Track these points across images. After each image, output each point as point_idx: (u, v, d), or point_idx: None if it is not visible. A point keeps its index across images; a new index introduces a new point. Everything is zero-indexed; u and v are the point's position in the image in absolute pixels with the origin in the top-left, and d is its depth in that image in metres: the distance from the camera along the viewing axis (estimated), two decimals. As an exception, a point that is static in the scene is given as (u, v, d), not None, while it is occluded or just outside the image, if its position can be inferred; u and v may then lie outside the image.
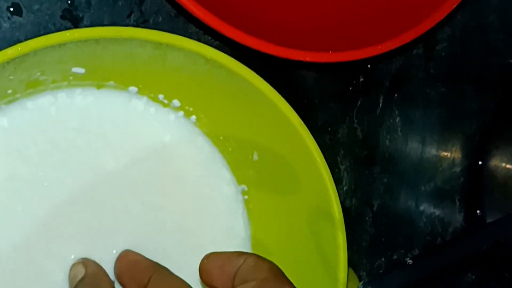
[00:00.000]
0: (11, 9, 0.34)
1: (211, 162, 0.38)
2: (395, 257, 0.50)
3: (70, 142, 0.34)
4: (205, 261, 0.30)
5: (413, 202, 0.51)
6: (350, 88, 0.46)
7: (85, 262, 0.32)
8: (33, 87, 0.32)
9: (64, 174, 0.34)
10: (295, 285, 0.29)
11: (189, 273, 0.33)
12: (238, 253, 0.30)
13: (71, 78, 0.33)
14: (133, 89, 0.35)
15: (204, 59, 0.32)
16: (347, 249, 0.36)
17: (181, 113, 0.37)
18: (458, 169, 0.52)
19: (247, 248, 0.39)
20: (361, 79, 0.46)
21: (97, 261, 0.33)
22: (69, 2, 0.35)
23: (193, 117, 0.37)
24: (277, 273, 0.28)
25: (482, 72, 0.52)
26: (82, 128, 0.34)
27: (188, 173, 0.37)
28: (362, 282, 0.36)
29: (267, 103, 0.34)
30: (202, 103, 0.36)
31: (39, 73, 0.31)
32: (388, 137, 0.48)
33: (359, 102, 0.46)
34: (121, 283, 0.33)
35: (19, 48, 0.27)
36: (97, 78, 0.34)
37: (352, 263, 0.47)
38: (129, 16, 0.37)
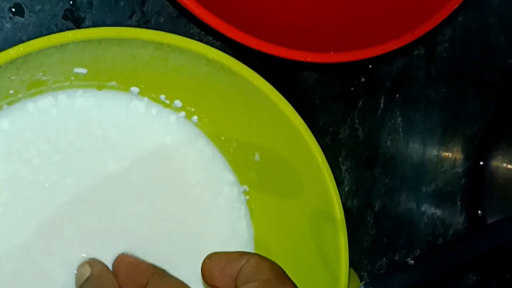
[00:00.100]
0: (13, 9, 0.34)
1: (213, 163, 0.38)
2: (396, 257, 0.50)
3: (71, 143, 0.34)
4: (207, 261, 0.30)
5: (414, 203, 0.51)
6: (351, 89, 0.46)
7: (92, 262, 0.33)
8: (35, 87, 0.32)
9: (65, 175, 0.34)
10: (297, 285, 0.29)
11: (190, 273, 0.33)
12: (240, 253, 0.30)
13: (73, 78, 0.33)
14: (135, 89, 0.35)
15: (206, 60, 0.32)
16: (348, 250, 0.36)
17: (183, 113, 0.37)
18: (459, 170, 0.52)
19: (250, 250, 0.39)
20: (362, 80, 0.46)
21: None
22: (71, 2, 0.35)
23: (195, 117, 0.37)
24: (280, 274, 0.28)
25: (483, 73, 0.52)
26: (83, 129, 0.34)
27: (190, 174, 0.37)
28: (363, 283, 0.36)
29: (268, 104, 0.34)
30: (204, 103, 0.36)
31: (41, 74, 0.31)
32: (389, 138, 0.48)
33: (360, 102, 0.46)
34: (119, 286, 0.33)
35: (21, 49, 0.27)
36: (99, 79, 0.34)
37: (353, 264, 0.47)
38: (130, 16, 0.37)
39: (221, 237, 0.38)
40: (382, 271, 0.49)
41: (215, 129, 0.38)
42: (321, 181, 0.35)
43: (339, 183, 0.46)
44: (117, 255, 0.34)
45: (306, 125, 0.35)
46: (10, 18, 0.34)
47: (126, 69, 0.33)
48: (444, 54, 0.50)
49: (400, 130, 0.49)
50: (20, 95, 0.32)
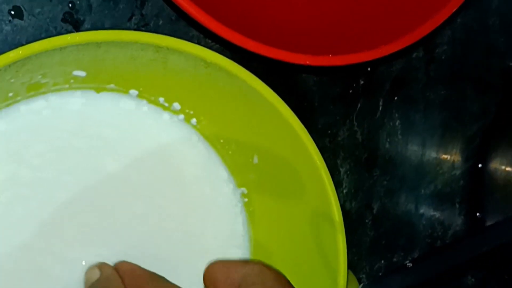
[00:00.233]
0: (12, 12, 0.34)
1: (210, 164, 0.38)
2: (395, 259, 0.50)
3: (70, 144, 0.34)
4: (210, 268, 0.30)
5: (413, 204, 0.51)
6: (350, 91, 0.46)
7: (101, 266, 0.32)
8: (34, 90, 0.32)
9: (64, 176, 0.34)
10: (296, 286, 0.29)
11: (191, 273, 0.33)
12: (244, 261, 0.30)
13: (72, 81, 0.33)
14: (134, 92, 0.35)
15: (205, 63, 0.32)
16: (347, 252, 0.36)
17: (182, 116, 0.37)
18: (458, 172, 0.52)
19: (246, 246, 0.39)
20: (361, 82, 0.46)
21: (98, 262, 0.33)
22: (70, 5, 0.35)
23: (194, 120, 0.37)
24: (283, 283, 0.28)
25: (482, 74, 0.52)
26: (82, 131, 0.34)
27: (188, 175, 0.37)
28: (362, 285, 0.37)
29: (267, 106, 0.34)
30: (203, 106, 0.36)
31: (40, 76, 0.31)
32: (388, 139, 0.48)
33: (359, 104, 0.46)
34: None
35: (21, 52, 0.27)
36: (98, 81, 0.34)
37: (352, 266, 0.47)
38: (130, 19, 0.37)
39: (221, 236, 0.39)
40: (380, 273, 0.49)
41: (214, 131, 0.38)
42: (320, 183, 0.35)
43: (338, 185, 0.46)
44: (116, 255, 0.34)
45: (304, 128, 0.35)
46: (10, 20, 0.34)
47: (125, 72, 0.33)
48: (443, 56, 0.50)
49: (399, 132, 0.49)
50: (19, 98, 0.32)
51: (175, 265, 0.36)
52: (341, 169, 0.46)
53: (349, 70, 0.46)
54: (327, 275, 0.36)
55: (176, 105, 0.36)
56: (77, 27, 0.36)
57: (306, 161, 0.35)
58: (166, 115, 0.37)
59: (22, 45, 0.27)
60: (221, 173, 0.39)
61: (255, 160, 0.38)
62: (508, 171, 0.52)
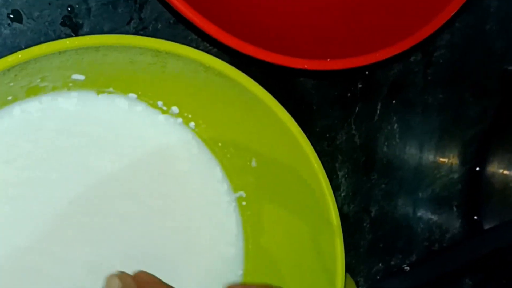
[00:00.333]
0: (11, 16, 0.34)
1: (206, 165, 0.38)
2: (393, 262, 0.50)
3: (69, 146, 0.34)
4: None
5: (411, 208, 0.51)
6: (349, 95, 0.46)
7: (122, 276, 0.32)
8: (33, 93, 0.32)
9: (63, 178, 0.34)
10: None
11: (191, 273, 0.33)
12: (264, 285, 0.29)
13: (71, 84, 0.33)
14: (132, 95, 0.35)
15: (203, 67, 0.32)
16: (344, 255, 0.36)
17: (180, 119, 0.37)
18: (455, 175, 0.52)
19: (239, 243, 0.39)
20: (360, 86, 0.46)
21: (99, 262, 0.34)
22: (69, 9, 0.36)
23: (192, 123, 0.37)
24: None
25: (480, 78, 0.52)
26: (81, 132, 0.34)
27: (184, 176, 0.38)
28: (359, 288, 0.37)
29: (265, 110, 0.34)
30: (201, 109, 0.36)
31: (39, 80, 0.31)
32: (386, 143, 0.48)
33: (357, 108, 0.46)
34: None
35: (20, 56, 0.27)
36: (96, 85, 0.34)
37: (350, 269, 0.47)
38: (128, 23, 0.37)
39: (215, 234, 0.39)
40: (378, 276, 0.49)
41: (212, 135, 0.38)
42: (317, 187, 0.35)
43: (336, 188, 0.46)
44: (116, 254, 0.34)
45: (302, 131, 0.35)
46: (9, 24, 0.34)
47: (124, 76, 0.33)
48: (441, 60, 0.50)
49: (397, 135, 0.49)
50: (18, 101, 0.32)
51: (175, 265, 0.36)
52: (339, 172, 0.46)
53: (347, 74, 0.46)
54: (325, 277, 0.36)
55: (175, 109, 0.36)
56: (76, 30, 0.36)
57: (304, 164, 0.35)
58: (164, 118, 0.37)
59: (21, 48, 0.28)
60: (217, 174, 0.39)
61: (253, 163, 0.38)
62: (505, 175, 0.52)
